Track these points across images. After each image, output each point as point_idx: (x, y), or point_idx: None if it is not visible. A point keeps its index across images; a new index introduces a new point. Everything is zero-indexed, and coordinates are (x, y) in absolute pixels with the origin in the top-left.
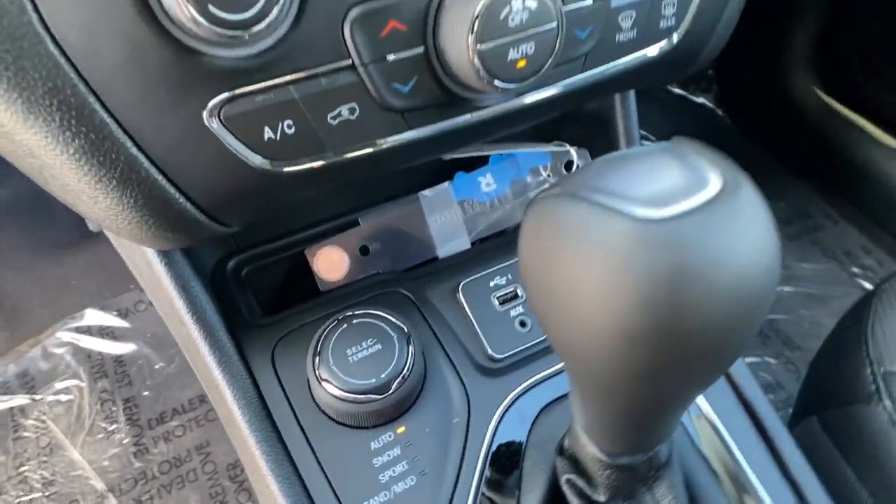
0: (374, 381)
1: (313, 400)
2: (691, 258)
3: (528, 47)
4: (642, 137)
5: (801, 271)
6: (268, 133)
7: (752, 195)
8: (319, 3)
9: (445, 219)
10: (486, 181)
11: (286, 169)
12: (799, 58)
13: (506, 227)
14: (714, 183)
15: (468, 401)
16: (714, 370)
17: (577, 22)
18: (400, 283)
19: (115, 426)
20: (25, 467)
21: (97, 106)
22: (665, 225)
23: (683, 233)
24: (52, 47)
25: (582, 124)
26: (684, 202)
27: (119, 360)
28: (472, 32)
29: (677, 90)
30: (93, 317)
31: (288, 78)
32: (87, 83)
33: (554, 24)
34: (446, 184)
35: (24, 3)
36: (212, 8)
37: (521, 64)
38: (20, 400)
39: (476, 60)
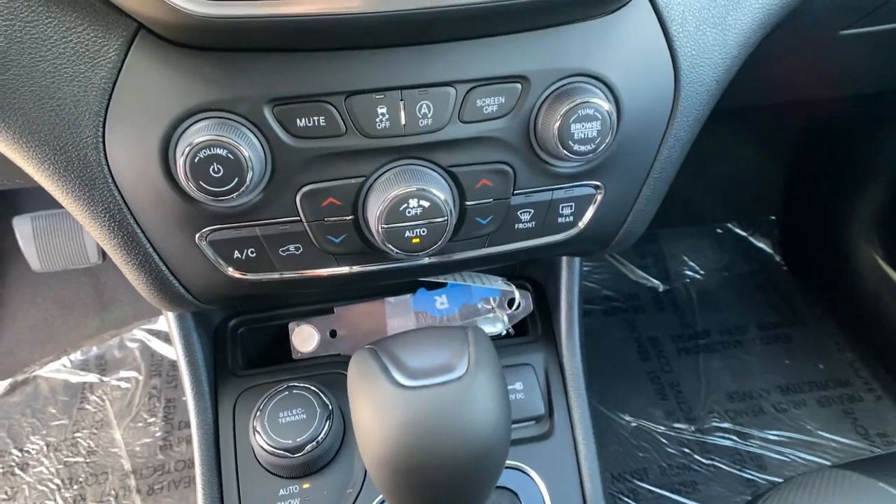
0: (290, 441)
1: (250, 444)
2: (418, 417)
3: (421, 231)
4: (690, 270)
5: (826, 442)
6: (237, 254)
7: (482, 383)
8: (280, 182)
9: (401, 323)
10: (440, 300)
11: (247, 277)
12: (864, 225)
13: None
14: (460, 369)
15: (364, 477)
16: (464, 493)
17: (478, 212)
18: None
19: (153, 419)
20: (79, 434)
21: (132, 221)
22: (410, 392)
23: (419, 400)
24: (112, 186)
25: (541, 265)
26: (431, 378)
27: (173, 364)
28: (380, 215)
29: (738, 230)
30: (165, 323)
31: (255, 223)
32: (128, 208)
33: (444, 218)
34: (408, 296)
35: (101, 159)
36: (202, 183)
37: (416, 241)
38: (92, 378)
39: (381, 233)
